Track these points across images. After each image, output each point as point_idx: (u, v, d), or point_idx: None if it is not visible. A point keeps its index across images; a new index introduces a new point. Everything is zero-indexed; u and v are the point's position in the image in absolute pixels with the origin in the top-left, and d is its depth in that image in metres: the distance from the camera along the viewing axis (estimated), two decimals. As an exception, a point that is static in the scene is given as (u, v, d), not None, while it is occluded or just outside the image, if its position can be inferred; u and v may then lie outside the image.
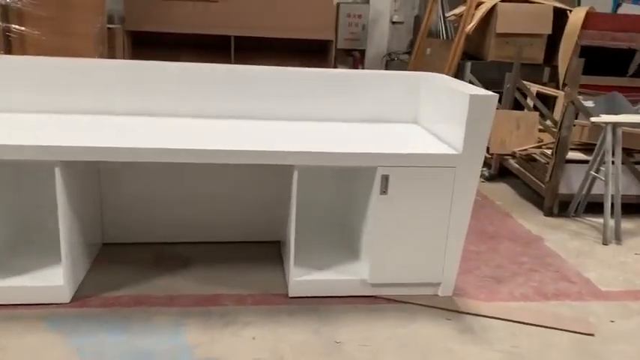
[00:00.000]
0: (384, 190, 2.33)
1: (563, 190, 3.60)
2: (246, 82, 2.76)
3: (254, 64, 2.83)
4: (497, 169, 4.35)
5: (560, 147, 3.48)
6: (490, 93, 2.28)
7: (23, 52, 4.41)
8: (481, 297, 2.55)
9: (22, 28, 4.39)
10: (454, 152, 2.33)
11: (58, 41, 4.49)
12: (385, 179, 2.31)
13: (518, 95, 4.37)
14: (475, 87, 2.44)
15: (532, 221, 3.52)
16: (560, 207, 3.64)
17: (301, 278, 2.43)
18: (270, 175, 2.83)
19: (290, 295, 2.43)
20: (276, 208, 2.86)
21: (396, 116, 2.89)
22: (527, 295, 2.60)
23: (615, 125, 3.23)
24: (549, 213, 3.62)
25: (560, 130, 3.47)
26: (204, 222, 2.88)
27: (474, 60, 5.28)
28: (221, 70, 2.75)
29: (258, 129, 2.56)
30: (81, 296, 2.35)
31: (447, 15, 5.46)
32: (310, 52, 5.69)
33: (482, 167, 4.49)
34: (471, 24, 4.98)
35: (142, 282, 2.50)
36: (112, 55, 4.96)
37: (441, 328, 2.28)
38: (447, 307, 2.42)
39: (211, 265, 2.68)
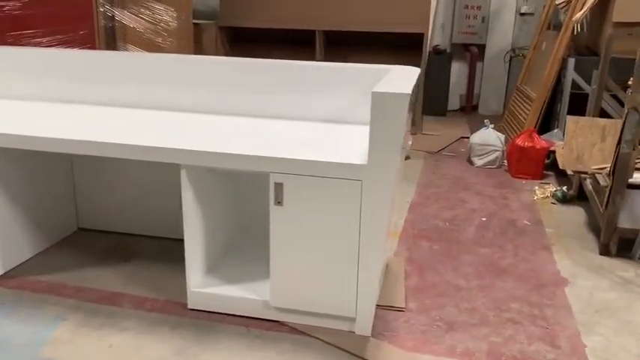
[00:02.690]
0: (278, 201, 1.99)
1: (625, 223, 2.75)
2: (204, 72, 2.61)
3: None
4: (577, 190, 3.51)
5: (619, 167, 2.66)
6: (400, 90, 1.80)
7: (124, 44, 4.79)
8: (408, 345, 2.05)
9: (124, 21, 4.74)
10: (359, 162, 1.89)
11: (149, 35, 4.80)
12: (279, 188, 1.98)
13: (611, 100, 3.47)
14: (396, 83, 1.95)
15: (575, 259, 2.75)
16: (625, 246, 2.79)
17: (200, 290, 2.21)
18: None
19: (189, 307, 2.23)
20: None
21: (356, 117, 2.47)
22: (473, 352, 2.01)
23: (688, 142, 2.35)
24: (605, 251, 2.79)
25: (618, 144, 2.65)
26: (168, 218, 2.80)
27: (592, 55, 4.34)
28: (172, 60, 2.66)
29: (184, 123, 2.40)
30: (9, 275, 2.45)
31: (557, 2, 4.56)
32: (406, 47, 5.23)
33: (559, 186, 3.68)
34: (580, 11, 4.09)
35: (71, 269, 2.51)
36: (198, 50, 5.15)
37: (320, 373, 1.88)
38: (348, 349, 1.99)
39: (150, 263, 2.59)
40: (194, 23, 5.07)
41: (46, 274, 2.47)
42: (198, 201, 2.15)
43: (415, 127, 5.20)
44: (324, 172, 1.92)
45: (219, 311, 2.20)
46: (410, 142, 4.40)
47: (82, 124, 2.34)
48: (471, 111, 6.27)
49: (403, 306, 2.28)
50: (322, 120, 2.50)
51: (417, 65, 5.18)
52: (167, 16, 4.80)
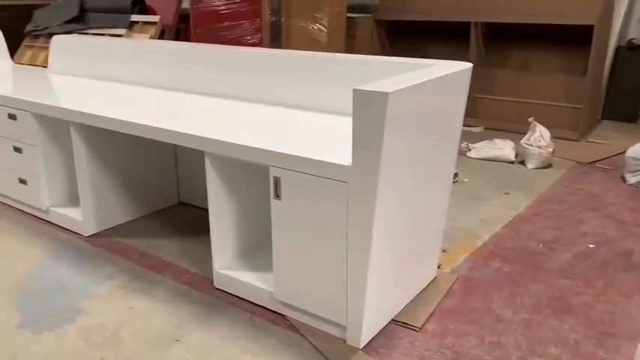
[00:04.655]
0: (277, 195, 1.98)
1: None
2: (250, 62, 2.72)
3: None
4: None
5: None
6: (381, 89, 1.63)
7: (287, 41, 5.13)
8: (396, 367, 1.87)
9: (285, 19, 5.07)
10: (344, 163, 1.78)
11: (306, 30, 5.04)
12: (277, 181, 1.96)
13: None
14: (396, 81, 1.75)
15: (681, 312, 2.17)
16: None
17: (223, 272, 2.31)
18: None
19: (215, 286, 2.35)
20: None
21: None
22: (463, 392, 1.75)
23: None
24: None
25: None
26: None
27: None
28: (220, 50, 2.81)
29: (222, 111, 2.53)
30: (101, 234, 2.86)
31: None
32: (583, 42, 4.55)
33: None
34: None
35: (148, 237, 2.82)
36: (350, 44, 5.19)
37: (285, 374, 1.84)
38: (329, 357, 1.90)
39: (214, 240, 2.78)
40: (349, 17, 5.15)
41: (127, 237, 2.83)
42: (224, 187, 2.24)
43: (578, 132, 4.54)
44: (312, 170, 1.85)
45: (237, 295, 2.28)
46: (551, 149, 3.87)
47: (109, 103, 2.62)
48: (671, 119, 5.22)
49: (418, 325, 2.08)
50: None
51: (586, 62, 4.52)
52: (321, 10, 4.97)
